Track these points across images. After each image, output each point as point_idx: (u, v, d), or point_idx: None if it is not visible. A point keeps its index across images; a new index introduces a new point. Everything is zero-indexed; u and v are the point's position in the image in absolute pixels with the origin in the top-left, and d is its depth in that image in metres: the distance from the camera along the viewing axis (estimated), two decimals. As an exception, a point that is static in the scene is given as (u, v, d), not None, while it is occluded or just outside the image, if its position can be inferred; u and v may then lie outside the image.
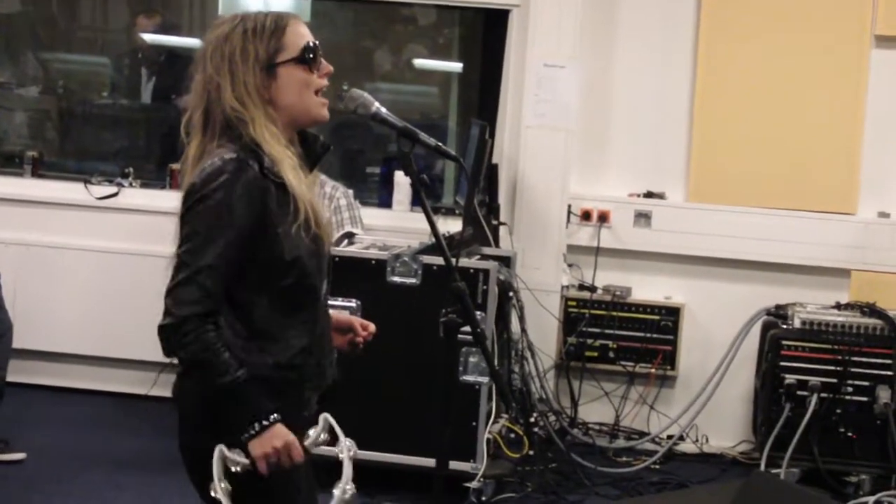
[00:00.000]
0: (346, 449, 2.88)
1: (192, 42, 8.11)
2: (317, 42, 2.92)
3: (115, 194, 7.06)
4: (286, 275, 2.83)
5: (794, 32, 6.70)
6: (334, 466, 2.89)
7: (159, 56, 8.01)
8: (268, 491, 2.82)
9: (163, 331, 2.76)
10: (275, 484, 2.81)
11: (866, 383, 6.02)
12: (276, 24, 2.88)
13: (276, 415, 2.76)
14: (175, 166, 6.95)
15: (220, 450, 2.75)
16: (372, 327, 3.21)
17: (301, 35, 2.90)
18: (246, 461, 2.75)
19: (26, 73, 8.22)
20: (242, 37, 2.85)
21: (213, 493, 2.72)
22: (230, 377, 2.72)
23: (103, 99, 8.28)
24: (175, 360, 2.83)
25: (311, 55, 2.90)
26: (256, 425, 2.74)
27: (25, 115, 8.08)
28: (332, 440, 2.91)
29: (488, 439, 5.48)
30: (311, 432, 2.89)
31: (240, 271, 2.78)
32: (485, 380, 5.38)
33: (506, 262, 6.01)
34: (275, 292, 2.84)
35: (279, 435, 2.76)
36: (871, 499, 5.86)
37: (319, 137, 3.06)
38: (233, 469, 2.74)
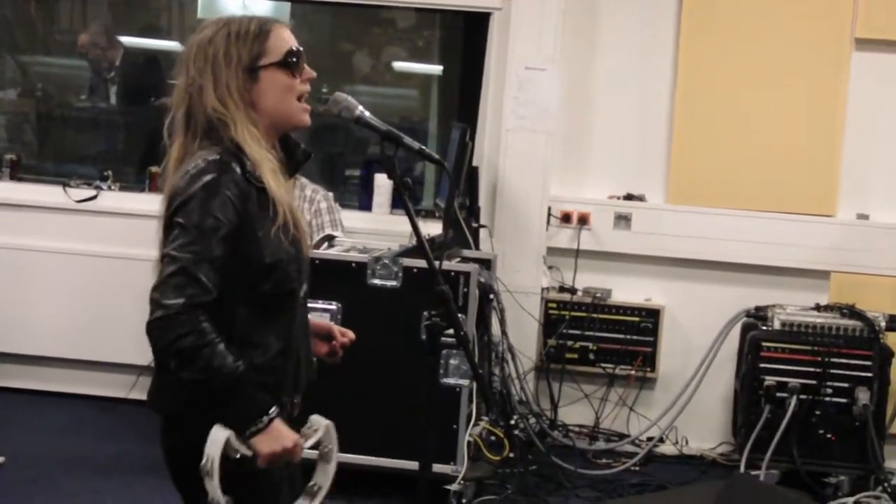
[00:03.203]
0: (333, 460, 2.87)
1: (171, 45, 8.11)
2: (300, 48, 2.93)
3: (94, 197, 7.03)
4: (266, 279, 2.81)
5: (775, 35, 6.71)
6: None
7: (113, 61, 7.98)
8: (257, 487, 2.80)
9: (156, 323, 2.64)
10: (264, 481, 2.80)
11: (846, 385, 6.03)
12: (261, 29, 2.88)
13: (275, 408, 2.72)
14: (154, 169, 6.95)
15: (227, 434, 2.65)
16: (351, 334, 3.20)
17: (285, 40, 2.90)
18: (248, 452, 2.68)
19: (4, 75, 8.17)
20: (226, 40, 2.85)
21: (206, 474, 2.62)
22: (231, 367, 2.66)
23: (82, 102, 8.24)
24: (164, 358, 2.70)
25: (294, 60, 2.90)
26: (261, 420, 2.68)
27: (3, 118, 8.03)
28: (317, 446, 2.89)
29: (469, 442, 5.46)
30: (310, 440, 2.84)
31: (222, 276, 2.72)
32: (465, 382, 5.38)
33: (486, 264, 6.00)
34: (255, 298, 2.81)
35: (286, 435, 2.72)
36: (851, 500, 5.88)
37: (301, 145, 3.06)
38: (232, 456, 2.65)
